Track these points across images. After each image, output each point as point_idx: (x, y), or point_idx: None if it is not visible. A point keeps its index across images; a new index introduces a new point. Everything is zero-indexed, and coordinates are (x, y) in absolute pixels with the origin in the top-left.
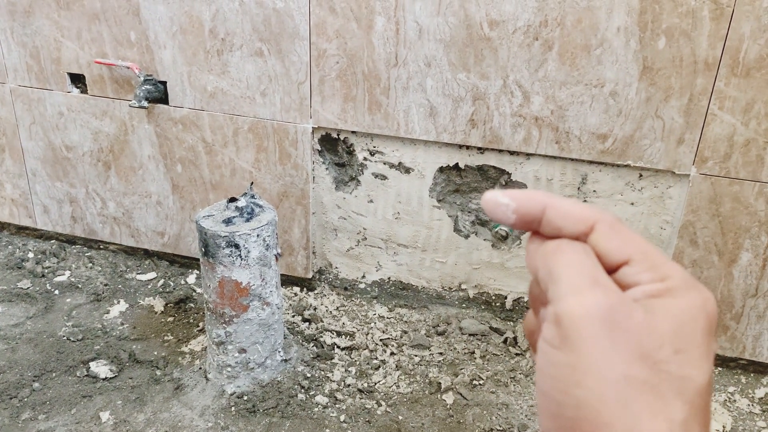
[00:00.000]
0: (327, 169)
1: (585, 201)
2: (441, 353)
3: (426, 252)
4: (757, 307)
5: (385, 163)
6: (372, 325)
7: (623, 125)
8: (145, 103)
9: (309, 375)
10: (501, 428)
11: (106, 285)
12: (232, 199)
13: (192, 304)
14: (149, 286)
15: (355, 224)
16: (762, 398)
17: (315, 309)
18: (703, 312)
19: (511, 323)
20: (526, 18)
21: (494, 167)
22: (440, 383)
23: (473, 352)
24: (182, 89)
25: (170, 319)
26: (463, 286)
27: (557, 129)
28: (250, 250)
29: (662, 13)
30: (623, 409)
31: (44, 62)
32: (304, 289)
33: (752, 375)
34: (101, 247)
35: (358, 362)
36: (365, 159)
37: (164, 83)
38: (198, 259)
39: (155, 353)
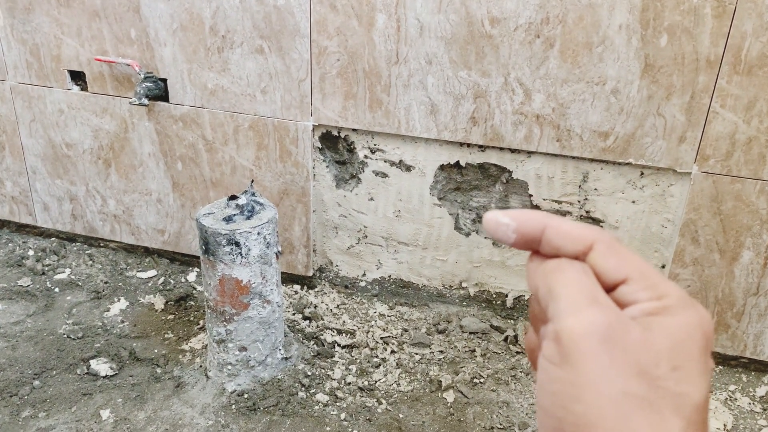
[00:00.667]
0: (327, 166)
1: (586, 199)
2: (442, 351)
3: (427, 250)
4: (758, 305)
5: (385, 161)
6: (372, 323)
7: (625, 123)
8: (145, 101)
9: (309, 373)
10: (501, 426)
11: (106, 283)
12: (233, 197)
13: (192, 302)
14: (150, 284)
15: (356, 222)
16: (763, 397)
17: (315, 307)
18: (700, 330)
19: (512, 321)
20: (528, 15)
21: (495, 165)
22: (441, 381)
23: (474, 351)
24: (182, 87)
25: (171, 317)
26: (464, 284)
27: (558, 127)
28: (251, 248)
29: (664, 10)
30: (622, 425)
31: (44, 59)
32: (305, 287)
33: (753, 373)
34: (101, 244)
35: (358, 360)
36: (366, 157)
37: (164, 81)
38: (198, 257)
39: (156, 351)
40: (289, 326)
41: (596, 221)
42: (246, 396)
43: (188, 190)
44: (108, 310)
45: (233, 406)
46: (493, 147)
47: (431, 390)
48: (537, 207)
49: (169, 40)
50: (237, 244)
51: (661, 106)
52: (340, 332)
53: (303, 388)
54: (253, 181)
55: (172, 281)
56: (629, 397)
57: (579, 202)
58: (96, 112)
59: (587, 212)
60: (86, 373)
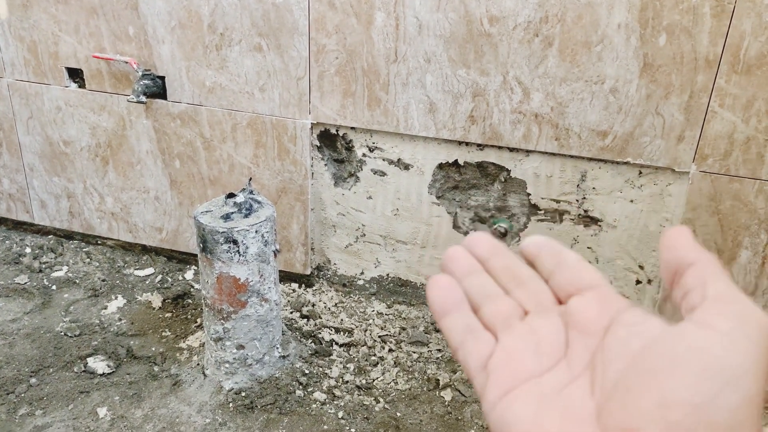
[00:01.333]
0: (326, 165)
1: (584, 198)
2: (439, 350)
3: (425, 249)
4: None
5: (384, 160)
6: (370, 321)
7: (623, 122)
8: (143, 98)
9: (307, 371)
10: None
11: (103, 280)
12: (231, 195)
13: (190, 300)
14: (147, 282)
15: (354, 220)
16: None
17: (313, 305)
18: None
19: None
20: (527, 14)
21: (494, 164)
22: (438, 380)
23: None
24: (180, 84)
25: (168, 315)
26: None
27: (557, 126)
28: (249, 246)
29: (663, 9)
30: None
31: (42, 56)
32: (303, 285)
33: None
34: (99, 242)
35: (356, 359)
36: (364, 155)
37: (162, 78)
38: (196, 255)
39: (153, 349)
40: (286, 324)
41: (594, 220)
42: (243, 394)
43: (186, 188)
44: (105, 308)
45: (231, 405)
46: (492, 146)
47: (429, 388)
48: (535, 206)
49: (168, 37)
50: (235, 242)
51: (659, 106)
52: (338, 331)
53: (300, 387)
54: (251, 179)
55: (169, 279)
56: None
57: (577, 201)
58: (94, 110)
59: (585, 211)
60: (83, 371)
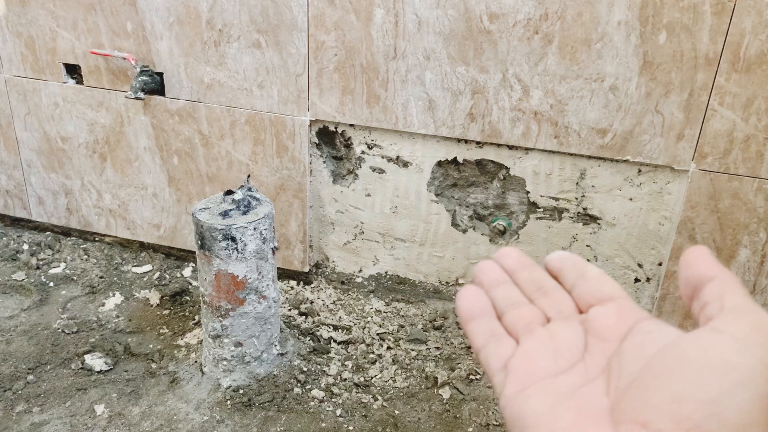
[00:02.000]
0: (324, 162)
1: (584, 196)
2: (438, 348)
3: (423, 246)
4: None
5: (383, 157)
6: (369, 319)
7: (623, 120)
8: (141, 95)
9: (305, 369)
10: (497, 423)
11: (101, 277)
12: (229, 192)
13: (188, 297)
14: (145, 279)
15: (353, 218)
16: None
17: (312, 303)
18: None
19: None
20: (527, 11)
21: (493, 162)
22: (437, 378)
23: (470, 347)
24: (179, 81)
25: (166, 312)
26: (461, 281)
27: (556, 123)
28: (247, 243)
29: (663, 7)
30: None
31: (39, 52)
32: (301, 282)
33: None
34: (97, 239)
35: (354, 356)
36: (363, 152)
37: (161, 74)
38: (194, 252)
39: (151, 346)
40: (285, 322)
41: (593, 218)
42: (241, 391)
43: (184, 185)
44: (103, 305)
45: (228, 402)
46: (491, 143)
47: (427, 386)
48: (534, 203)
49: (166, 33)
50: (233, 239)
51: (659, 104)
52: (336, 328)
53: (299, 384)
54: (249, 176)
55: (167, 276)
56: None
57: (576, 199)
58: (92, 106)
59: (584, 209)
60: (81, 368)
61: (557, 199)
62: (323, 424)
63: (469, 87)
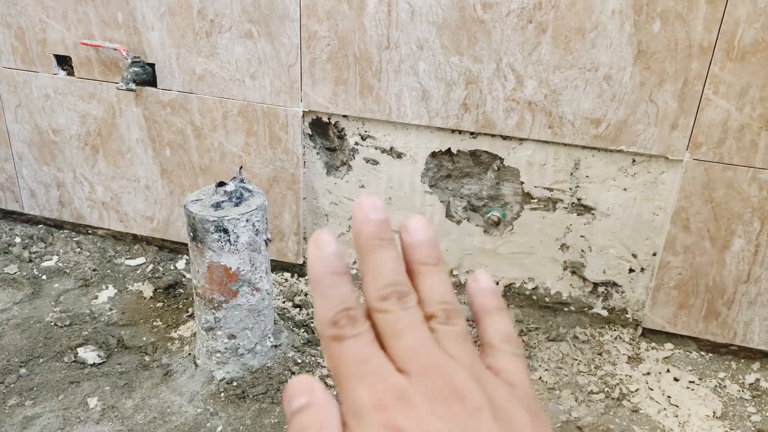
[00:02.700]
0: (318, 153)
1: (578, 186)
2: None
3: None
4: (748, 293)
5: (376, 148)
6: None
7: (617, 110)
8: (132, 86)
9: (299, 361)
10: None
11: (94, 270)
12: (221, 184)
13: (181, 290)
14: (138, 272)
15: (347, 210)
16: (752, 384)
17: (306, 295)
18: None
19: None
20: (520, 0)
21: (487, 152)
22: None
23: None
24: (171, 71)
25: (159, 304)
26: (455, 272)
27: (550, 113)
28: (240, 235)
29: None
30: None
31: (29, 43)
32: (295, 274)
33: (743, 361)
34: (89, 231)
35: None
36: (357, 144)
37: (152, 65)
38: (187, 244)
39: (144, 339)
40: (278, 314)
41: (588, 208)
42: (235, 384)
43: (177, 177)
44: (96, 298)
45: (222, 394)
46: (485, 134)
47: None
48: (529, 194)
49: (157, 24)
50: (225, 231)
51: (653, 93)
52: None
53: (293, 376)
54: (241, 167)
55: (160, 269)
56: None
57: (570, 189)
58: (83, 98)
59: (579, 199)
60: (74, 361)
61: (551, 190)
62: None
63: (463, 77)
